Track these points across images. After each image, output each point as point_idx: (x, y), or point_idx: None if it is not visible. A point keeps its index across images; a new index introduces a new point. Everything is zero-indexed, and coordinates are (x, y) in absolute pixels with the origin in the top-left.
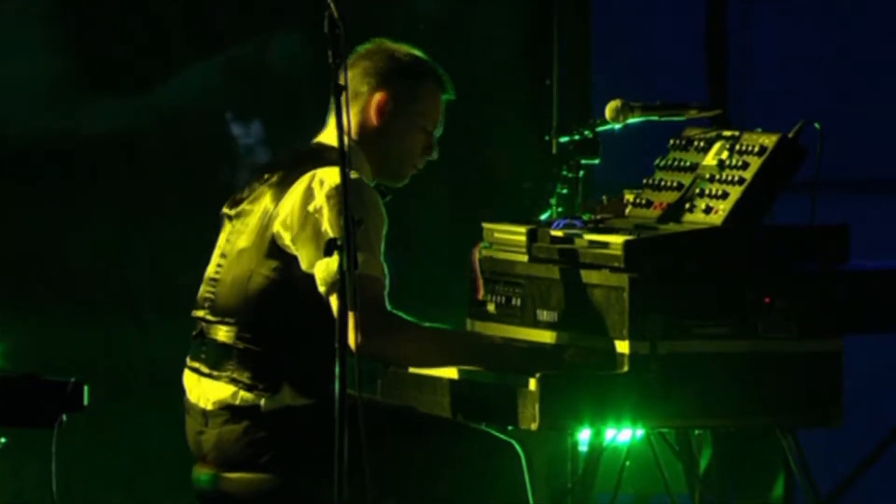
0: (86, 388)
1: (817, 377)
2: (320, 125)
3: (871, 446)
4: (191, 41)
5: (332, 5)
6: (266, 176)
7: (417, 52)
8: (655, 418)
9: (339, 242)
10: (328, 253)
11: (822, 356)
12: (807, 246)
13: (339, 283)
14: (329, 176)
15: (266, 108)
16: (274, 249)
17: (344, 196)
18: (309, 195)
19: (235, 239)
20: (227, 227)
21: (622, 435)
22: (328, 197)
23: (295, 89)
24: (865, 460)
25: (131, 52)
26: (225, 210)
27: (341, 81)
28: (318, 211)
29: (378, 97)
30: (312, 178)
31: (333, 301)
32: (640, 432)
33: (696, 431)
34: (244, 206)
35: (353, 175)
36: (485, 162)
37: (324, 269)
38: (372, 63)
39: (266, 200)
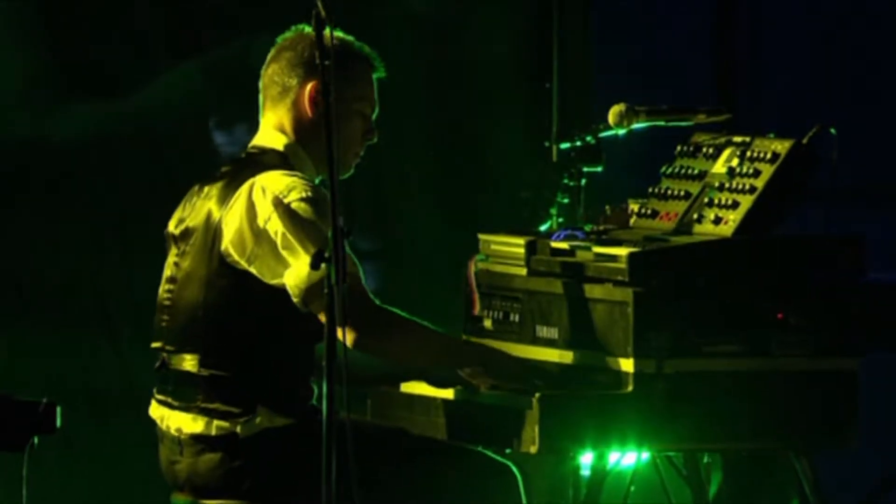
0: (58, 409)
1: (833, 397)
2: None
3: (890, 470)
4: (170, 42)
5: (319, 3)
6: (206, 189)
7: (341, 34)
8: (662, 441)
9: (326, 255)
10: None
11: (838, 375)
12: (822, 258)
13: (314, 290)
14: (270, 182)
15: (251, 114)
16: (223, 268)
17: (333, 207)
18: (252, 208)
19: (182, 261)
20: (173, 249)
21: (627, 458)
22: (275, 206)
23: None
24: (883, 485)
25: (106, 53)
26: (169, 229)
27: (329, 83)
28: (268, 222)
29: (310, 87)
30: (251, 188)
31: (316, 310)
32: (645, 456)
33: (706, 455)
34: (187, 223)
35: (294, 177)
36: (480, 169)
37: (294, 278)
38: (296, 53)
39: (208, 216)
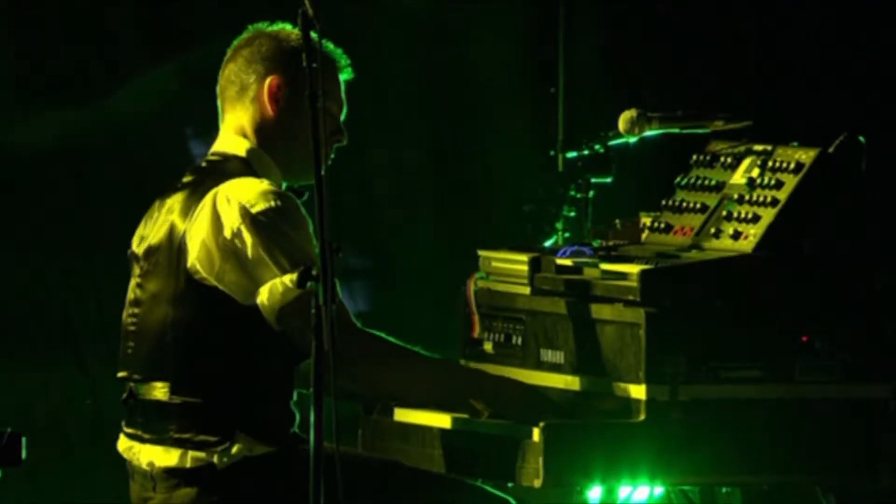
0: (24, 440)
1: (863, 428)
2: None
3: None
4: (144, 44)
5: (306, 2)
6: (168, 203)
7: (300, 30)
8: (676, 474)
9: (314, 272)
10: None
11: (869, 403)
12: (850, 276)
13: (289, 308)
14: (235, 191)
15: None
16: (191, 286)
17: (321, 218)
18: (218, 220)
19: (146, 282)
20: (136, 269)
21: (638, 493)
22: (242, 217)
23: None
24: None
25: (75, 55)
26: (132, 249)
27: (316, 88)
28: (237, 235)
29: (269, 82)
30: (215, 198)
31: (289, 328)
32: (658, 490)
33: (724, 489)
34: (149, 241)
35: (261, 183)
36: (481, 180)
37: (267, 297)
38: (253, 49)
39: (171, 231)
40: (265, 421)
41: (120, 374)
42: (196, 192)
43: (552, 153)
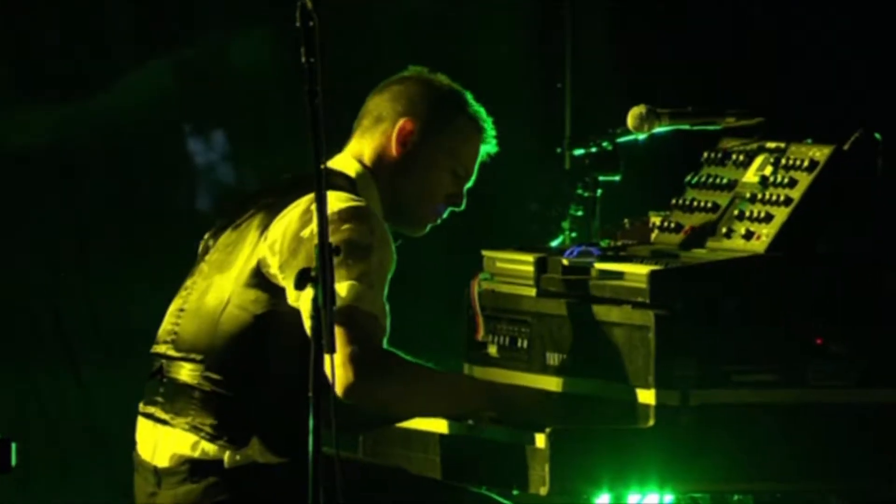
0: (13, 446)
1: (879, 433)
2: (291, 136)
3: None
4: (138, 39)
5: None
6: (263, 199)
7: (458, 86)
8: (687, 481)
9: (313, 273)
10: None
11: (885, 408)
12: (866, 277)
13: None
14: (332, 200)
15: (227, 118)
16: (257, 278)
17: (320, 221)
18: (306, 219)
19: (210, 269)
20: (209, 256)
21: (648, 501)
22: (330, 221)
23: (262, 95)
24: None
25: (67, 52)
26: (206, 238)
27: (316, 85)
28: (313, 238)
29: (402, 124)
30: (311, 202)
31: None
32: (668, 498)
33: (736, 497)
34: (228, 232)
35: (359, 200)
36: (485, 179)
37: (311, 304)
38: (403, 87)
39: (254, 226)
40: (283, 431)
41: (155, 349)
42: (291, 195)
43: (559, 150)
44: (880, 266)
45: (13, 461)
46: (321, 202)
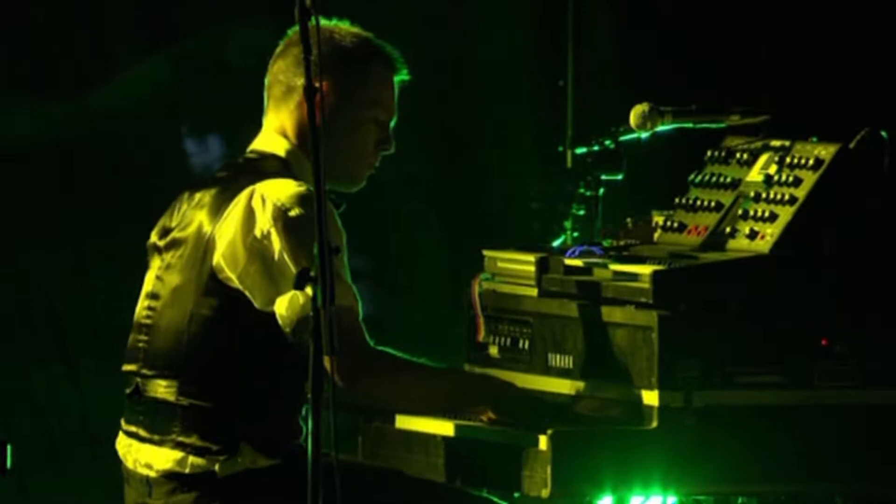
0: (9, 448)
1: (885, 435)
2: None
3: None
4: (136, 33)
5: None
6: (197, 196)
7: (359, 30)
8: (690, 483)
9: (312, 273)
10: (300, 286)
11: (891, 409)
12: (872, 277)
13: (310, 321)
14: (271, 191)
15: (225, 113)
16: (215, 285)
17: (319, 219)
18: (250, 218)
19: (167, 275)
20: (157, 261)
21: (650, 503)
22: (275, 219)
23: (261, 92)
24: None
25: (64, 46)
26: (152, 240)
27: (314, 81)
28: (266, 237)
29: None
30: (251, 195)
31: (307, 340)
32: (672, 500)
33: (740, 499)
34: (174, 234)
35: (299, 186)
36: (486, 177)
37: (287, 306)
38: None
39: (199, 226)
40: (271, 433)
41: (126, 368)
42: (229, 189)
43: (561, 149)
44: (887, 266)
45: (9, 463)
46: (320, 200)
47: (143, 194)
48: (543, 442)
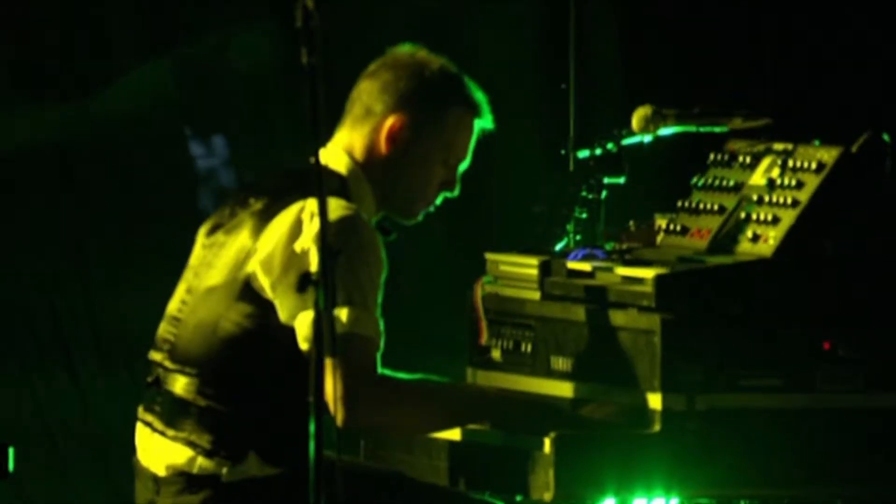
0: (10, 451)
1: (888, 438)
2: (291, 136)
3: None
4: (138, 37)
5: None
6: (251, 201)
7: (450, 69)
8: (693, 486)
9: (314, 278)
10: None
11: (894, 413)
12: (874, 280)
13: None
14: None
15: (227, 118)
16: (248, 292)
17: (322, 223)
18: (296, 231)
19: (205, 272)
20: (199, 255)
21: None
22: (318, 239)
23: (262, 95)
24: None
25: (65, 50)
26: (201, 233)
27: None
28: (306, 253)
29: (392, 122)
30: (301, 210)
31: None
32: (674, 503)
33: (743, 502)
34: (220, 234)
35: (348, 209)
36: (488, 180)
37: (308, 324)
38: (394, 78)
39: (245, 232)
40: (280, 444)
41: (152, 356)
42: (282, 199)
43: (563, 152)
44: (889, 269)
45: (11, 466)
46: (322, 204)
47: (143, 196)
48: (546, 445)
